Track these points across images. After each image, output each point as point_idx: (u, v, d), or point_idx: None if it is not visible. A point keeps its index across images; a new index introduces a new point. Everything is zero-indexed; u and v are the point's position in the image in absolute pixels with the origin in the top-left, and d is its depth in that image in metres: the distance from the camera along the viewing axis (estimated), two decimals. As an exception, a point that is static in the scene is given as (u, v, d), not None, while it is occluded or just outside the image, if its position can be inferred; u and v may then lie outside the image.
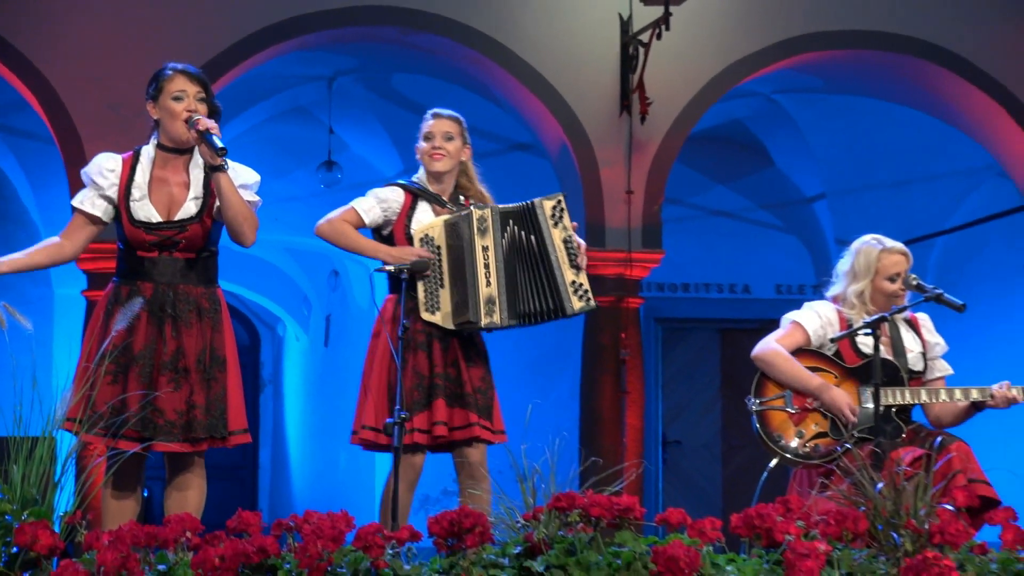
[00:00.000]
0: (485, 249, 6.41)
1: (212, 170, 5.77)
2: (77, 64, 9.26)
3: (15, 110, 10.64)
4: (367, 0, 9.70)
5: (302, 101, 12.36)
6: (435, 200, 6.58)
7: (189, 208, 5.90)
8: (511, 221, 6.45)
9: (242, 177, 6.00)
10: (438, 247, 6.44)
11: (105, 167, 5.94)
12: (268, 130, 12.67)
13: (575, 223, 6.50)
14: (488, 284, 6.41)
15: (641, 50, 9.73)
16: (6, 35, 9.29)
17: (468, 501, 6.27)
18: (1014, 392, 6.49)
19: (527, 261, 6.43)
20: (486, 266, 6.41)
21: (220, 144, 5.70)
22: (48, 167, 11.25)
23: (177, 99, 5.87)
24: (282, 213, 13.94)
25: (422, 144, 6.65)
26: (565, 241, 6.42)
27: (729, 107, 11.62)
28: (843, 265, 6.82)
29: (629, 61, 9.88)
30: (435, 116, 6.70)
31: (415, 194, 6.60)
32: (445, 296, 6.41)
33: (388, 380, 6.43)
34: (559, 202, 6.44)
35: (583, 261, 6.42)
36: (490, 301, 6.42)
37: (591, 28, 9.94)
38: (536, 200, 6.47)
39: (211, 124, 5.80)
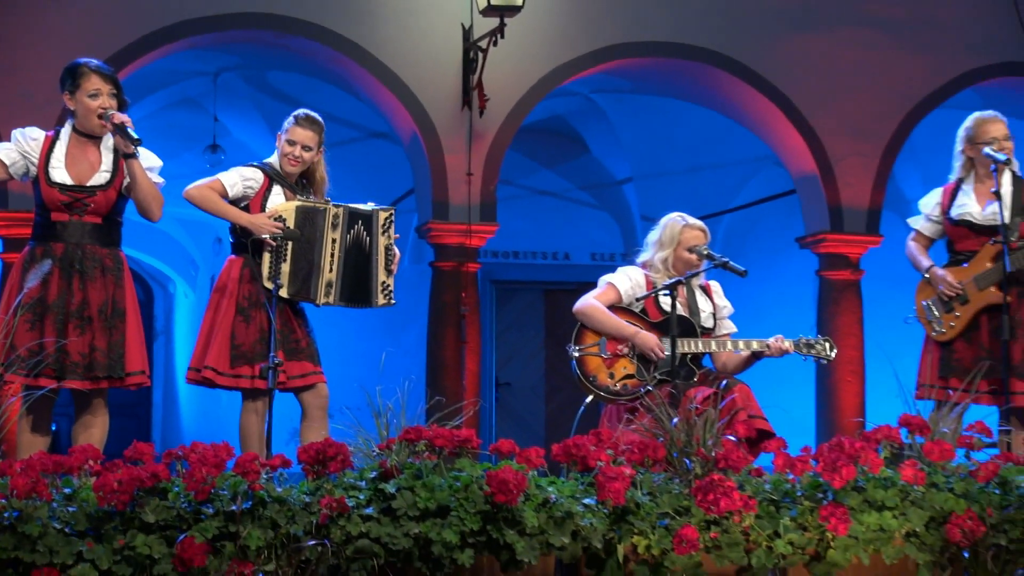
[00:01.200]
0: (334, 241, 6.46)
1: (126, 157, 5.80)
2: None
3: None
4: (247, 7, 9.59)
5: (191, 93, 12.20)
6: (288, 186, 6.60)
7: (99, 178, 5.90)
8: (359, 222, 6.48)
9: (148, 161, 6.06)
10: (295, 232, 6.43)
11: (30, 135, 5.97)
12: (161, 117, 12.48)
13: (397, 235, 6.60)
14: (331, 271, 6.44)
15: (480, 55, 9.72)
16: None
17: (307, 438, 6.25)
18: (786, 344, 6.60)
19: (358, 257, 6.45)
20: (332, 255, 6.44)
21: (135, 135, 5.76)
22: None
23: (93, 96, 5.91)
24: (173, 188, 13.73)
25: (284, 145, 6.62)
26: (387, 248, 6.53)
27: (553, 104, 11.65)
28: (652, 236, 6.88)
29: (470, 64, 9.87)
30: (301, 124, 6.64)
31: (272, 178, 6.62)
32: (286, 269, 6.39)
33: (232, 330, 6.40)
34: (390, 215, 6.58)
35: (394, 267, 6.51)
36: (329, 284, 6.45)
37: (439, 35, 9.91)
38: (376, 209, 6.55)
39: (125, 118, 5.85)
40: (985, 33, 10.83)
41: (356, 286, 6.49)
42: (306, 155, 6.58)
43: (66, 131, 5.98)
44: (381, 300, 6.53)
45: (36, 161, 5.89)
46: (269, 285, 6.36)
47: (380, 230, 6.50)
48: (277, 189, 6.58)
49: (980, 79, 10.97)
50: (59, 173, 5.86)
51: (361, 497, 4.60)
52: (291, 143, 6.60)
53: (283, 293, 6.40)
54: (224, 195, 6.54)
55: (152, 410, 18.62)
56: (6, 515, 4.28)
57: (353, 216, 6.49)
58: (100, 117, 5.85)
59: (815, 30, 10.66)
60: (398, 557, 4.52)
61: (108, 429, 6.00)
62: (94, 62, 5.98)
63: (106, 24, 9.29)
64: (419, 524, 4.53)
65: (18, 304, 5.61)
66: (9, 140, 5.99)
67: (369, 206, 6.58)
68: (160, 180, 6.07)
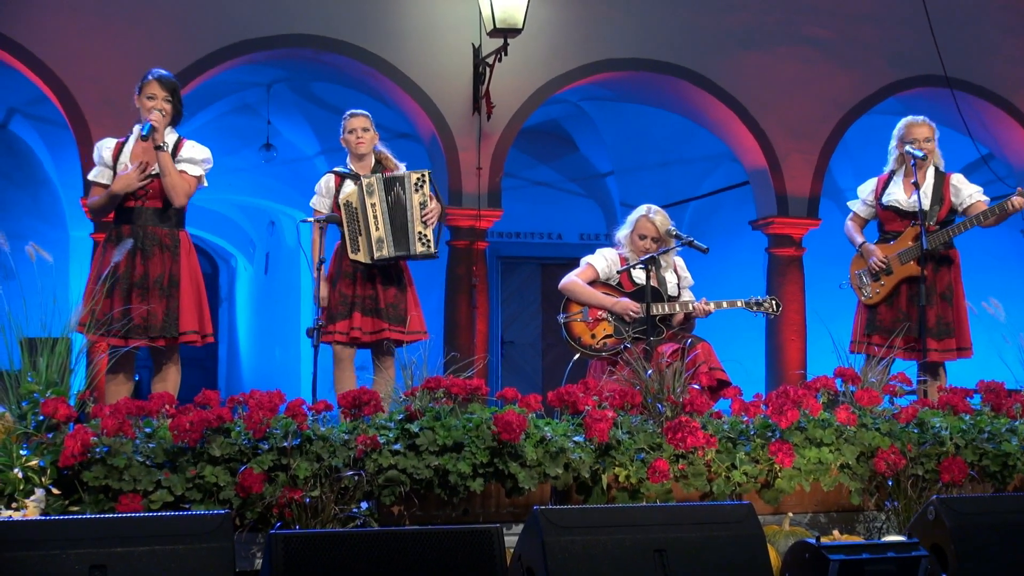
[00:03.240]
0: (373, 205, 6.40)
1: (156, 150, 5.78)
2: (84, 70, 9.00)
3: (39, 103, 10.33)
4: (294, 29, 9.53)
5: (248, 100, 12.16)
6: (352, 176, 6.58)
7: (153, 168, 5.87)
8: (396, 185, 6.45)
9: (191, 152, 6.01)
10: (355, 208, 6.42)
11: (104, 146, 6.04)
12: (224, 121, 12.45)
13: (433, 195, 6.52)
14: (377, 229, 6.40)
15: (487, 69, 9.68)
16: (34, 49, 9.01)
17: (376, 384, 6.27)
18: (710, 306, 6.60)
19: (397, 214, 6.42)
20: (375, 216, 6.40)
21: (144, 134, 5.77)
22: (63, 144, 10.94)
23: (150, 98, 5.87)
24: (234, 180, 13.71)
25: (347, 136, 6.61)
26: (421, 204, 6.44)
27: (548, 110, 11.61)
28: (627, 218, 6.88)
29: (479, 76, 9.82)
30: (352, 115, 6.70)
31: (341, 176, 6.62)
32: (362, 241, 6.40)
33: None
34: (422, 176, 6.49)
35: (431, 220, 6.44)
36: (380, 240, 6.41)
37: (453, 52, 9.87)
38: (406, 172, 6.51)
39: (154, 119, 5.83)
40: (905, 50, 10.78)
41: (399, 237, 6.45)
42: (366, 136, 6.57)
43: (135, 131, 6.00)
44: (420, 248, 6.43)
45: (111, 164, 5.94)
46: (352, 256, 6.46)
47: (413, 189, 6.45)
48: (347, 183, 6.58)
49: (901, 89, 10.92)
50: (124, 168, 5.90)
51: (391, 435, 4.60)
52: (351, 131, 6.63)
53: (360, 258, 6.44)
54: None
55: (218, 363, 18.65)
56: (98, 450, 4.28)
57: (389, 181, 6.46)
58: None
59: (763, 48, 10.61)
60: (421, 485, 4.53)
61: (180, 379, 6.00)
62: (159, 72, 5.99)
63: (178, 43, 9.24)
64: (438, 458, 4.54)
65: (105, 277, 5.61)
66: (94, 152, 6.08)
67: (402, 171, 6.56)
68: (199, 171, 6.03)
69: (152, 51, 9.09)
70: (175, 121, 5.97)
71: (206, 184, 6.12)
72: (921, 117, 6.88)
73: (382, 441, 4.50)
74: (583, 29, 10.19)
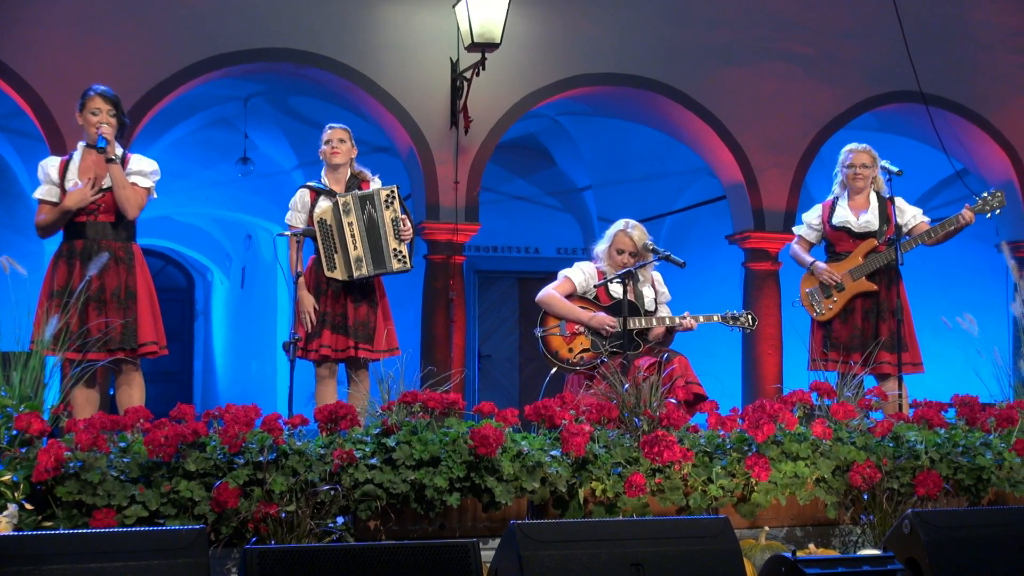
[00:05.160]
0: (351, 224, 6.41)
1: (107, 162, 5.79)
2: (60, 84, 8.95)
3: (15, 117, 10.29)
4: (272, 43, 9.51)
5: (225, 114, 12.12)
6: (327, 193, 6.59)
7: (105, 182, 5.88)
8: (368, 203, 6.47)
9: (139, 165, 6.04)
10: (329, 225, 6.44)
11: (48, 165, 6.06)
12: (200, 134, 12.42)
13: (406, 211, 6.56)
14: (355, 248, 6.41)
15: (465, 83, 9.69)
16: (10, 63, 8.96)
17: (351, 398, 6.28)
18: (689, 320, 6.64)
19: (372, 231, 6.43)
20: (352, 236, 6.42)
21: (100, 146, 5.82)
22: (39, 158, 10.88)
23: (94, 113, 5.90)
24: (210, 193, 13.69)
25: (323, 147, 6.64)
26: (393, 220, 6.46)
27: (526, 124, 11.63)
28: (605, 233, 6.91)
29: (457, 91, 9.83)
30: (332, 127, 6.75)
31: (316, 192, 6.64)
32: (338, 259, 6.42)
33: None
34: (391, 192, 6.53)
35: (407, 235, 6.46)
36: (359, 259, 6.42)
37: (431, 67, 9.87)
38: (377, 189, 6.53)
39: (104, 130, 5.87)
40: (881, 66, 10.85)
41: (376, 256, 6.46)
42: (341, 147, 6.58)
43: (80, 147, 6.04)
44: (396, 265, 6.47)
45: (58, 181, 5.95)
46: (328, 274, 6.48)
47: (384, 205, 6.47)
48: (322, 199, 6.59)
49: (878, 105, 10.99)
50: (73, 184, 5.90)
51: (367, 449, 4.59)
52: (328, 141, 6.66)
53: (336, 275, 6.47)
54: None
55: (193, 377, 18.56)
56: (71, 465, 4.26)
57: (362, 199, 6.48)
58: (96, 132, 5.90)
59: (741, 63, 10.66)
60: (397, 499, 4.52)
61: (145, 390, 6.00)
62: (100, 87, 6.01)
63: (155, 56, 9.21)
64: (415, 472, 4.53)
65: (79, 291, 5.60)
66: (38, 171, 6.08)
67: (374, 188, 6.57)
68: (149, 183, 6.04)
69: (128, 64, 9.07)
70: (119, 135, 6.00)
71: (156, 196, 6.16)
72: (862, 144, 7.16)
73: (358, 455, 4.50)
74: (561, 44, 10.23)
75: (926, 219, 7.03)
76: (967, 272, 12.92)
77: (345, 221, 6.42)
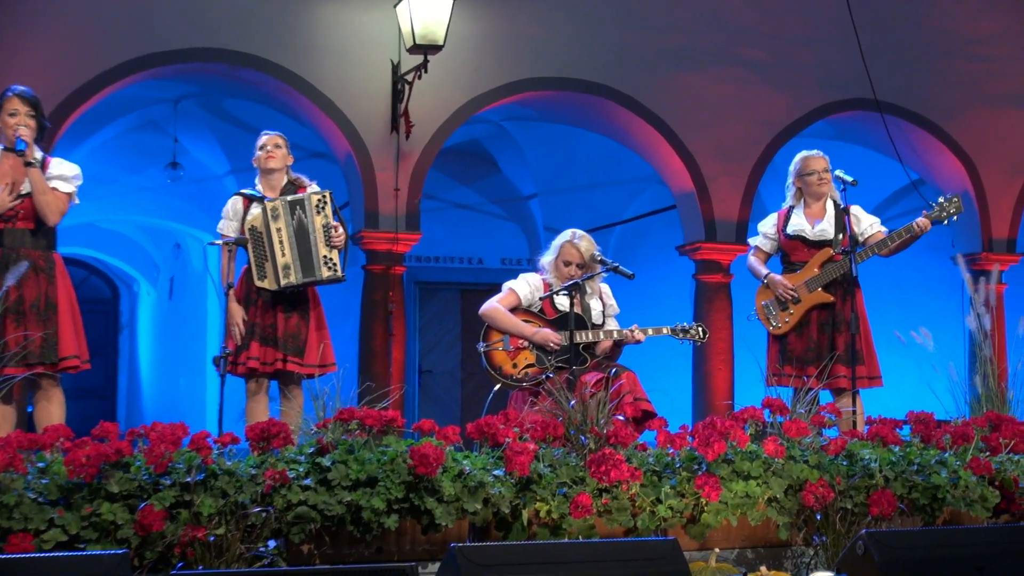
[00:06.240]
0: (279, 230, 6.40)
1: (26, 166, 5.75)
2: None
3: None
4: (204, 43, 9.45)
5: (154, 117, 12.03)
6: (260, 199, 6.58)
7: (24, 187, 5.81)
8: (297, 207, 6.46)
9: (60, 169, 5.99)
10: (260, 232, 6.43)
11: None
12: (127, 138, 12.32)
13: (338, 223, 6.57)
14: (283, 255, 6.39)
15: (406, 87, 9.68)
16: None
17: (283, 416, 6.24)
18: (638, 334, 6.67)
19: (302, 238, 6.42)
20: (280, 242, 6.40)
21: (19, 149, 5.76)
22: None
23: (12, 115, 5.84)
24: (138, 200, 13.57)
25: (258, 153, 6.64)
26: (324, 226, 6.45)
27: (470, 129, 11.64)
28: (552, 243, 6.93)
29: (398, 94, 9.82)
30: (266, 134, 6.77)
31: (249, 198, 6.63)
32: (269, 267, 6.40)
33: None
34: (323, 197, 6.53)
35: (339, 243, 6.46)
36: (286, 267, 6.40)
37: (371, 69, 9.85)
38: (308, 193, 6.52)
39: (22, 132, 5.82)
40: (836, 73, 10.98)
41: (305, 263, 6.43)
42: (277, 152, 6.60)
43: None
44: (326, 272, 6.44)
45: None
46: (257, 283, 6.45)
47: (315, 211, 6.46)
48: (254, 206, 6.57)
49: (832, 112, 11.12)
50: None
51: (300, 469, 4.56)
52: (262, 147, 6.66)
53: (266, 284, 6.44)
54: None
55: (117, 393, 18.38)
56: (-15, 487, 4.19)
57: (291, 204, 6.46)
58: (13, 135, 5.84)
59: (692, 68, 10.74)
60: (333, 521, 4.49)
61: (65, 407, 5.92)
62: (19, 88, 5.96)
63: (81, 54, 9.11)
64: (351, 493, 4.50)
65: None
66: None
67: (306, 192, 6.56)
68: (70, 188, 5.98)
69: (50, 64, 8.97)
70: (39, 138, 5.93)
71: (77, 201, 6.10)
72: (816, 151, 7.24)
73: (291, 476, 4.47)
74: (507, 46, 10.25)
75: (883, 228, 7.08)
76: (922, 285, 13.10)
77: (273, 227, 6.41)
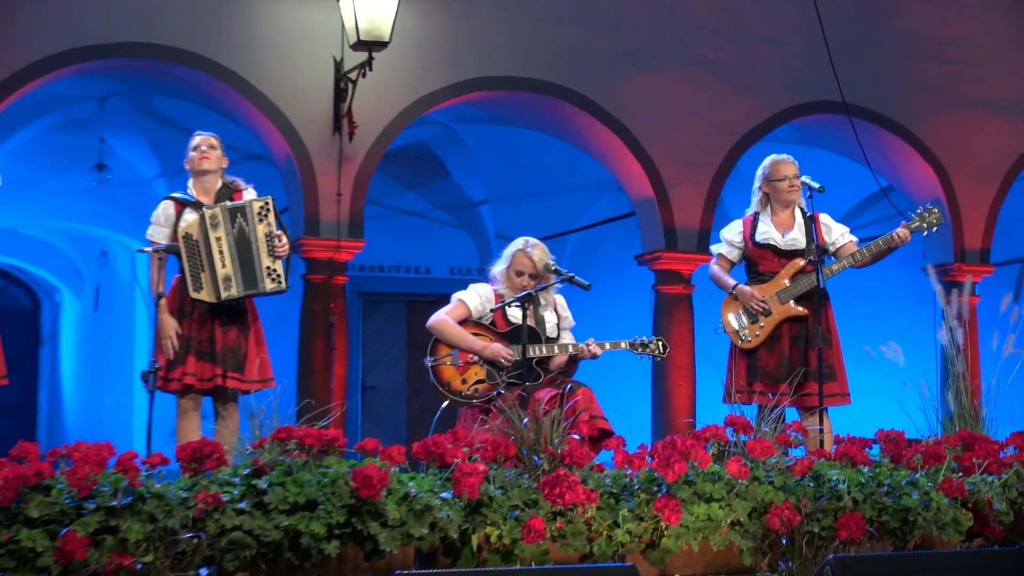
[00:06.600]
0: (219, 239, 6.37)
1: None
2: None
3: None
4: (133, 37, 9.38)
5: (79, 115, 11.92)
6: (194, 205, 6.56)
7: None
8: (238, 215, 6.44)
9: None
10: (196, 240, 6.40)
11: None
12: (50, 138, 12.19)
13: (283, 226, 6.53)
14: (224, 266, 6.37)
15: (350, 85, 9.66)
16: None
17: (217, 435, 6.21)
18: (594, 348, 6.67)
19: (243, 247, 6.40)
20: (220, 252, 6.37)
21: None
22: None
23: None
24: (61, 204, 13.44)
25: (191, 154, 6.62)
26: (267, 235, 6.45)
27: (416, 131, 11.63)
28: (503, 252, 6.92)
29: (341, 93, 9.80)
30: (200, 134, 6.74)
31: (181, 204, 6.59)
32: (205, 278, 6.37)
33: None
34: (265, 204, 6.52)
35: (282, 252, 6.45)
36: (227, 278, 6.38)
37: (312, 67, 9.82)
38: (249, 200, 6.50)
39: None
40: (802, 75, 11.07)
41: (247, 274, 6.41)
42: (212, 153, 6.61)
43: None
44: (270, 285, 6.45)
45: None
46: (193, 295, 6.42)
47: (256, 218, 6.45)
48: (188, 212, 6.55)
49: (798, 115, 11.21)
50: None
51: (235, 492, 4.53)
52: (196, 148, 6.64)
53: (203, 296, 6.41)
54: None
55: (37, 411, 18.18)
56: None
57: (232, 211, 6.43)
58: None
59: (651, 69, 10.79)
60: (269, 548, 4.46)
61: None
62: None
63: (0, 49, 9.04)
64: (289, 517, 4.48)
65: None
66: None
67: (247, 199, 6.52)
68: None
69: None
70: None
71: None
72: (786, 155, 7.21)
73: (225, 499, 4.43)
74: (456, 44, 10.25)
75: (854, 238, 7.09)
76: (892, 297, 13.24)
77: (212, 236, 6.37)
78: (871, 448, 5.82)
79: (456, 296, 6.84)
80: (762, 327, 6.95)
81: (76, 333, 17.37)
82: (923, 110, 11.53)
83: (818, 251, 6.84)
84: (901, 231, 6.89)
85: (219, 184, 6.65)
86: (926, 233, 7.01)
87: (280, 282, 6.46)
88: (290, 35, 9.82)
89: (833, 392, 6.83)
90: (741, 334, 7.01)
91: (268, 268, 6.44)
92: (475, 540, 4.76)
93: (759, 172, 7.17)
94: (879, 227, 7.34)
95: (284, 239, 6.51)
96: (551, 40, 10.53)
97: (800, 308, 6.92)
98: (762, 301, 6.94)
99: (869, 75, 11.22)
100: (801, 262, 6.96)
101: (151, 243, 6.49)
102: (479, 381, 6.62)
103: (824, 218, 7.09)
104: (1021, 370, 6.79)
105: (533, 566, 4.68)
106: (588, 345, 6.65)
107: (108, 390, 15.25)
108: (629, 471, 5.18)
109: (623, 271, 12.18)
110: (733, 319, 7.04)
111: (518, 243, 6.85)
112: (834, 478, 5.35)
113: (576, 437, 5.42)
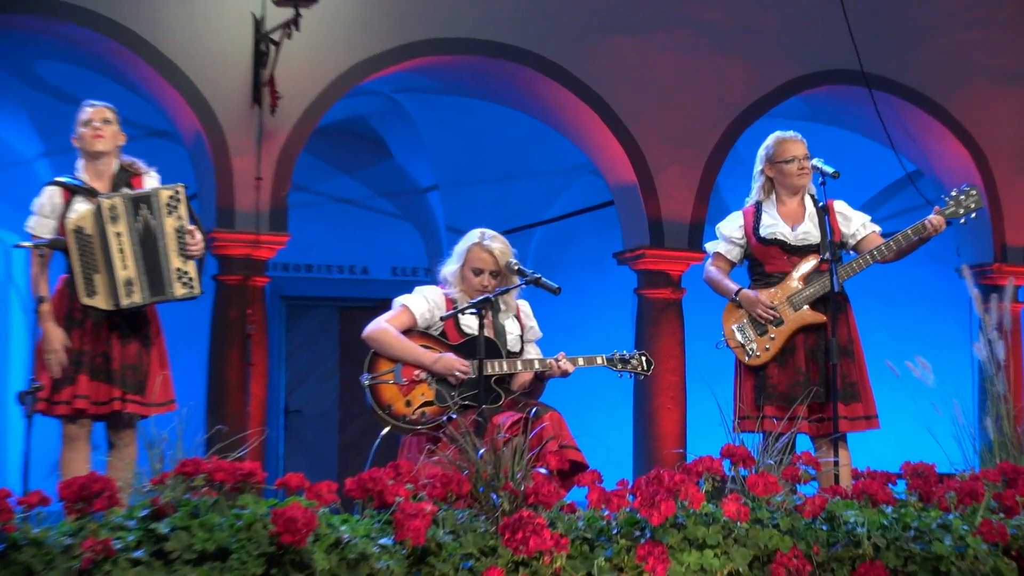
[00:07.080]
0: (119, 235, 6.32)
1: None
2: None
3: None
4: (11, -11, 9.38)
5: (-55, 85, 11.89)
6: (86, 192, 6.52)
7: None
8: (142, 206, 6.37)
9: None
10: (89, 235, 6.33)
11: None
12: (-90, 110, 12.14)
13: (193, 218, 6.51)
14: (125, 267, 6.32)
15: (272, 48, 9.64)
16: None
17: (110, 468, 6.17)
18: (565, 364, 6.65)
19: (151, 244, 6.36)
20: (120, 251, 6.31)
21: None
22: None
23: None
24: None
25: (81, 130, 6.55)
26: (177, 230, 6.41)
27: (353, 103, 11.63)
28: (456, 248, 6.90)
29: (261, 57, 9.78)
30: (91, 104, 6.68)
31: (71, 190, 6.54)
32: (100, 280, 6.31)
33: None
34: (176, 193, 6.46)
35: (194, 251, 6.41)
36: (128, 282, 6.33)
37: (227, 25, 9.81)
38: (155, 188, 6.46)
39: None
40: (811, 40, 11.13)
41: (153, 277, 6.37)
42: (107, 128, 6.57)
43: None
44: (180, 290, 6.41)
45: None
46: (85, 301, 6.36)
47: (165, 211, 6.39)
48: (78, 200, 6.50)
49: (807, 87, 11.27)
50: None
51: (130, 538, 4.49)
52: (87, 123, 6.58)
53: (98, 303, 6.37)
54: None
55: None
56: None
57: (135, 201, 6.37)
58: None
59: (635, 32, 10.82)
60: (171, 605, 4.43)
61: None
62: None
63: None
64: (195, 568, 4.44)
65: None
66: None
67: (151, 187, 6.48)
68: None
69: None
70: None
71: None
72: (793, 133, 7.13)
73: (118, 546, 4.40)
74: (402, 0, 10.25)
75: (877, 228, 7.02)
76: (919, 303, 13.31)
77: (111, 231, 6.32)
78: (895, 484, 5.82)
79: (399, 301, 6.82)
80: (772, 339, 6.91)
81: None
82: (953, 80, 11.61)
83: (832, 248, 6.79)
84: (934, 218, 6.82)
85: (115, 166, 6.60)
86: (963, 220, 6.94)
87: (192, 286, 6.43)
88: (201, -13, 9.80)
89: (857, 415, 6.79)
90: (747, 348, 6.96)
91: (178, 270, 6.40)
92: (421, 595, 4.74)
93: (761, 153, 7.13)
94: (904, 219, 7.34)
95: (198, 235, 6.47)
96: (515, -4, 10.55)
97: (819, 314, 6.86)
98: (771, 308, 6.89)
99: (892, 39, 11.29)
100: (815, 260, 6.89)
101: (32, 237, 6.43)
102: (426, 403, 6.60)
103: (840, 206, 7.03)
104: (1072, 391, 6.83)
105: (491, 627, 4.66)
106: (557, 360, 6.65)
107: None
108: (606, 512, 5.16)
109: (600, 272, 12.22)
110: (737, 331, 7.00)
111: (473, 236, 6.83)
112: (851, 520, 5.35)
113: (543, 471, 5.40)
